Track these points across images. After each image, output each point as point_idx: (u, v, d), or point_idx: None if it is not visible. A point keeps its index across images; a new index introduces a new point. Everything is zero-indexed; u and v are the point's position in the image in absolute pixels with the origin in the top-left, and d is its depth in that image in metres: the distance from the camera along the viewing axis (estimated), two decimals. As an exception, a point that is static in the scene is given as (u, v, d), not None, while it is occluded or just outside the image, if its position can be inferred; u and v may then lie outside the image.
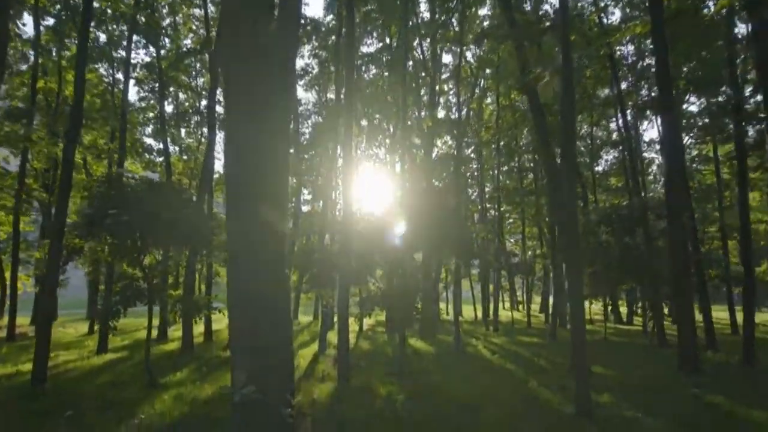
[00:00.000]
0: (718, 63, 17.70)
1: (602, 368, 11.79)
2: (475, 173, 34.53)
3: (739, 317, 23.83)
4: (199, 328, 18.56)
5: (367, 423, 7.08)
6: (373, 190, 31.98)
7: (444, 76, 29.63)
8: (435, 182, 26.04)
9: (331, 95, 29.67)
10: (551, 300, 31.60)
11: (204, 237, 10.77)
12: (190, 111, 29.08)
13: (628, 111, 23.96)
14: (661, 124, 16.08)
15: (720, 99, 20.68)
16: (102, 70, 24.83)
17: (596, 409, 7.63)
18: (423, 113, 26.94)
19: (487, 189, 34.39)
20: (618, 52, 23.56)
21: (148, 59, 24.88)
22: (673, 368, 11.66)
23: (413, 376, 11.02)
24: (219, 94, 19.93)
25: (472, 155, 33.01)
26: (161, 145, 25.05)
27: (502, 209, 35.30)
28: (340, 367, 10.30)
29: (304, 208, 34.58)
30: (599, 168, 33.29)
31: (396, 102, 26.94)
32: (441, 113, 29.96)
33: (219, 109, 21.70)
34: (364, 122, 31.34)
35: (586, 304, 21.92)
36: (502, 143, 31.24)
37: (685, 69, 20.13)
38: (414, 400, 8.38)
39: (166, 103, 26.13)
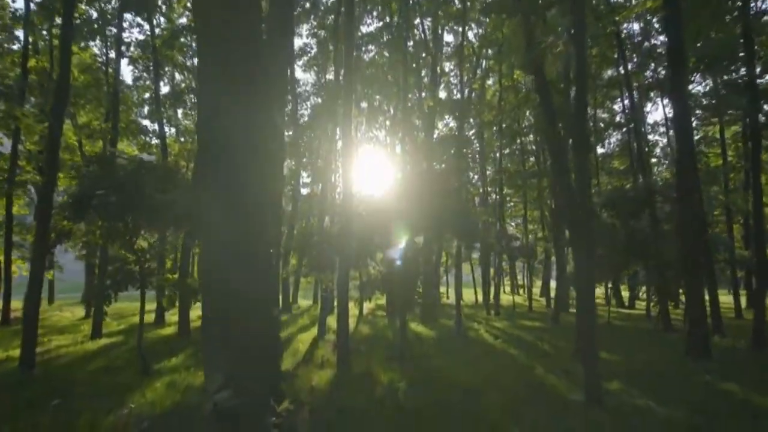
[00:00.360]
0: (729, 40, 17.15)
1: (607, 353, 11.53)
2: (477, 156, 34.04)
3: (743, 301, 23.73)
4: (196, 312, 18.29)
5: (368, 410, 6.80)
6: (373, 173, 31.56)
7: (446, 56, 28.95)
8: (436, 165, 25.60)
9: (330, 76, 29.04)
10: (552, 284, 31.46)
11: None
12: (187, 91, 28.40)
13: (634, 92, 23.43)
14: (672, 102, 15.60)
15: (729, 77, 20.15)
16: (95, 49, 24.22)
17: (606, 396, 7.34)
18: (424, 94, 26.39)
19: (488, 172, 33.94)
20: (624, 32, 22.94)
21: (141, 37, 24.22)
22: (680, 353, 11.42)
23: (414, 360, 10.80)
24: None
25: (473, 137, 32.48)
26: (157, 127, 24.51)
27: (503, 192, 34.87)
28: (340, 352, 10.03)
29: (304, 191, 34.29)
30: (602, 150, 32.86)
31: (396, 82, 26.40)
32: (442, 94, 29.38)
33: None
34: (364, 104, 30.80)
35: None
36: (504, 125, 30.69)
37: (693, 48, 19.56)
38: (415, 386, 8.13)
39: (161, 83, 25.55)
